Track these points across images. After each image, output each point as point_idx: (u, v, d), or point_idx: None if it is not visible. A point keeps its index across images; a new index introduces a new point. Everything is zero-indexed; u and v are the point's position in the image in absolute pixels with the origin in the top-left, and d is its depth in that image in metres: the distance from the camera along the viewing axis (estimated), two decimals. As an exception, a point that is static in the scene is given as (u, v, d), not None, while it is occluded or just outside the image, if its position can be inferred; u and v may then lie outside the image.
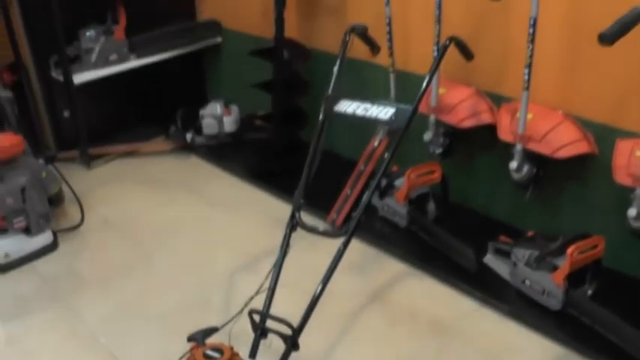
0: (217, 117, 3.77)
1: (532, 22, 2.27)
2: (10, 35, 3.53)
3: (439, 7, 2.59)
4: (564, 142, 2.37)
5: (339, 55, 2.26)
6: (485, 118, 2.65)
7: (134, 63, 3.74)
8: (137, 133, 4.02)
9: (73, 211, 3.18)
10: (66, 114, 3.72)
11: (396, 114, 2.00)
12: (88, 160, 3.72)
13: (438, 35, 2.62)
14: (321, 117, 2.12)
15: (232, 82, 4.11)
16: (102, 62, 3.63)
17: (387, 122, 2.00)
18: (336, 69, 2.20)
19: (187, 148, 3.84)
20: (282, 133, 3.40)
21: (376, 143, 2.94)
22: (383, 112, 2.02)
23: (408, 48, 2.96)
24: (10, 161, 2.82)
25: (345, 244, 1.92)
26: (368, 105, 2.05)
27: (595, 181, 2.46)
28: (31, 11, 3.50)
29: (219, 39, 4.05)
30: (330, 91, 2.19)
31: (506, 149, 2.53)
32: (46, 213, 2.89)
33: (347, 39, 2.31)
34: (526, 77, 2.36)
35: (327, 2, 3.29)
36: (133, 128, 4.05)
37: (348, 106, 2.10)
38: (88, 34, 3.59)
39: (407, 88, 2.97)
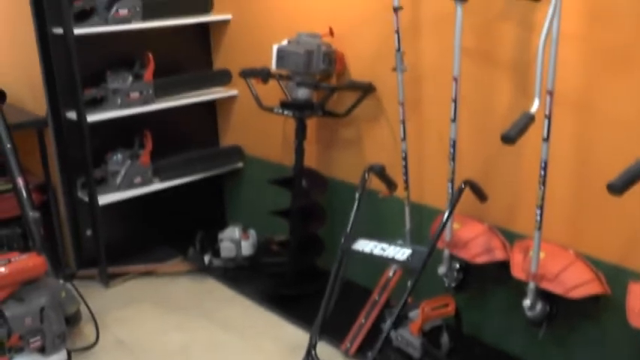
0: (235, 241, 3.85)
1: (543, 165, 2.36)
2: (42, 158, 3.73)
3: (453, 146, 2.70)
4: (577, 282, 2.41)
5: (357, 194, 2.35)
6: (499, 255, 2.70)
7: (157, 186, 3.88)
8: (156, 252, 4.11)
9: (88, 330, 3.21)
10: (88, 233, 3.81)
11: (412, 255, 2.07)
12: (107, 279, 3.78)
13: (453, 172, 2.72)
14: (339, 254, 2.18)
15: (251, 206, 4.23)
16: (126, 185, 3.77)
17: (404, 263, 2.06)
18: (354, 207, 2.28)
19: (204, 270, 3.89)
20: (299, 260, 3.45)
21: (391, 274, 3.03)
22: (399, 252, 2.09)
23: (423, 182, 3.07)
24: (32, 281, 2.87)
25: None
26: (385, 245, 2.13)
27: (609, 321, 2.47)
28: (64, 137, 3.70)
29: (240, 164, 4.21)
30: (348, 229, 2.26)
31: (520, 285, 2.56)
32: (63, 333, 2.90)
33: (365, 178, 2.41)
34: (538, 218, 2.42)
35: (345, 135, 3.43)
36: (152, 248, 4.14)
37: (365, 246, 2.17)
38: (115, 157, 3.75)
39: (422, 220, 3.06)
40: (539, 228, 2.43)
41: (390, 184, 2.77)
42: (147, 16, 3.70)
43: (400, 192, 2.99)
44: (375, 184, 2.80)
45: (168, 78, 3.88)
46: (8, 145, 3.36)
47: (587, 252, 2.48)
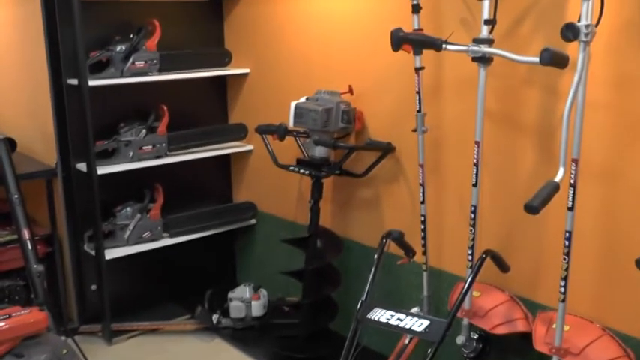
0: (246, 300, 3.86)
1: (567, 235, 2.35)
2: (50, 209, 3.78)
3: (474, 211, 2.71)
4: (603, 358, 2.38)
5: (375, 260, 2.36)
6: (520, 326, 2.68)
7: (167, 241, 3.92)
8: (162, 309, 4.12)
9: (87, 389, 3.18)
10: (93, 287, 3.83)
11: (430, 327, 2.07)
12: (110, 336, 3.78)
13: (473, 239, 2.72)
14: (354, 324, 2.18)
15: (263, 264, 4.24)
16: (135, 239, 3.80)
17: (421, 335, 2.06)
18: (371, 275, 2.29)
19: (212, 329, 3.89)
20: (311, 323, 3.45)
21: (407, 341, 3.00)
22: (417, 323, 2.10)
23: (442, 247, 3.08)
24: (33, 337, 2.87)
25: None
26: (402, 315, 2.13)
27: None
28: (73, 188, 3.75)
29: (253, 221, 4.24)
30: (364, 296, 2.27)
31: (542, 358, 2.54)
32: (62, 391, 2.88)
33: (383, 244, 2.42)
34: (562, 289, 2.41)
35: (363, 195, 3.45)
36: (159, 304, 4.15)
37: (381, 315, 2.18)
38: (124, 211, 3.79)
39: (440, 286, 3.06)
40: (564, 300, 2.42)
41: (409, 251, 2.78)
42: (164, 68, 3.79)
43: (418, 256, 2.99)
44: (393, 247, 2.80)
45: (183, 131, 3.94)
46: (16, 196, 3.41)
47: (615, 326, 2.47)
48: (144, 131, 3.73)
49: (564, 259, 2.38)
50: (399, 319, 2.16)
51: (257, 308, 3.87)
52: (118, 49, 3.61)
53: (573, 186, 2.31)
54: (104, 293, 3.73)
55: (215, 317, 3.88)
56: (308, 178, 3.42)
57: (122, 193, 3.84)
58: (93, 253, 3.70)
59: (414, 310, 2.95)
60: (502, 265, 2.45)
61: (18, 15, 4.07)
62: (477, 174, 2.67)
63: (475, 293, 2.81)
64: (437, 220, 3.08)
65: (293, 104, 3.27)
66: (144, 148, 3.74)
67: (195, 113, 4.17)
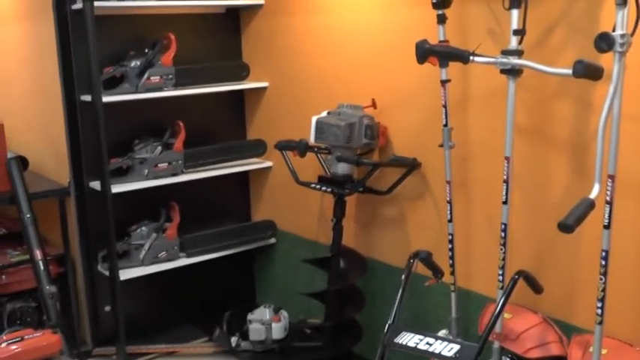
0: (266, 322, 3.84)
1: (604, 255, 2.31)
2: (63, 229, 3.80)
3: (505, 230, 2.68)
4: (644, 383, 2.34)
5: (402, 281, 2.35)
6: (554, 350, 2.63)
7: (183, 261, 3.92)
8: (179, 331, 4.11)
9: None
10: (107, 309, 3.83)
11: (460, 351, 2.06)
12: (125, 359, 3.77)
13: (504, 259, 2.69)
14: (380, 349, 2.17)
15: (284, 285, 4.23)
16: (150, 259, 3.81)
17: (451, 360, 2.04)
18: (398, 298, 2.27)
19: (231, 353, 3.87)
20: (334, 346, 3.42)
21: (435, 365, 2.97)
22: (447, 348, 2.08)
23: (471, 267, 3.07)
24: (45, 360, 2.85)
25: None
26: (431, 339, 2.11)
27: None
28: (86, 207, 3.76)
29: (273, 240, 4.23)
30: (391, 319, 2.25)
31: (579, 384, 2.50)
32: (75, 415, 2.87)
33: (410, 265, 2.41)
34: (599, 311, 2.36)
35: (388, 213, 3.44)
36: (175, 326, 4.14)
37: (410, 339, 2.16)
38: (139, 230, 3.79)
39: (469, 307, 3.04)
40: (601, 322, 2.36)
41: (437, 272, 2.76)
42: (180, 83, 3.80)
43: (446, 277, 2.96)
44: (420, 267, 2.78)
45: (200, 148, 3.94)
46: (28, 215, 3.46)
47: (655, 350, 2.42)
48: (159, 148, 3.74)
49: (601, 279, 2.33)
50: (427, 343, 2.14)
51: (278, 331, 3.84)
52: (133, 64, 3.63)
53: (610, 203, 2.26)
54: (118, 315, 3.72)
55: (234, 340, 3.87)
56: (330, 196, 3.41)
57: (137, 212, 3.84)
58: (107, 273, 3.70)
59: (442, 332, 2.91)
60: (535, 286, 2.42)
61: (30, 30, 4.12)
62: (507, 191, 2.64)
63: (506, 315, 2.76)
64: (465, 239, 3.06)
65: (314, 119, 3.27)
66: (159, 165, 3.74)
67: (213, 129, 4.18)
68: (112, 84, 3.63)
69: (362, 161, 3.20)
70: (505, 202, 2.66)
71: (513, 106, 2.58)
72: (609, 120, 2.19)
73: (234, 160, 4.11)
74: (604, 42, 2.07)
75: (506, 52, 2.49)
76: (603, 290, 2.34)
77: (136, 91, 3.65)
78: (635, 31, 2.20)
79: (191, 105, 3.98)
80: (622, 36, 2.10)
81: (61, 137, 3.71)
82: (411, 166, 3.20)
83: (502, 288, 2.67)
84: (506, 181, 2.64)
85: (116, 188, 3.60)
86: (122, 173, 3.72)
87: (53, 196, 3.79)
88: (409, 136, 3.28)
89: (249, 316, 3.88)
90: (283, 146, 3.49)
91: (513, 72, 2.52)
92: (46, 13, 3.62)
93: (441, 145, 2.95)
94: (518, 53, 2.49)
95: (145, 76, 3.64)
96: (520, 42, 2.53)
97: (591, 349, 2.43)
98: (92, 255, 3.80)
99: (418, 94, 3.17)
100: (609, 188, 2.25)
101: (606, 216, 2.28)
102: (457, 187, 3.00)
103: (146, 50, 3.69)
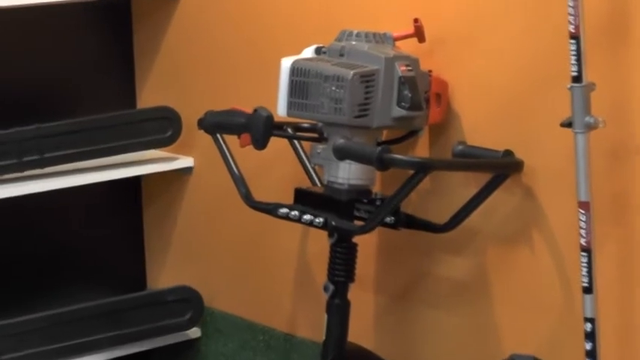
0: None
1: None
2: None
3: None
4: None
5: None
6: None
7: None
8: None
9: None
10: None
11: None
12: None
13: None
14: None
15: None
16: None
17: None
18: None
19: None
20: None
21: None
22: None
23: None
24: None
25: None
26: None
27: None
28: None
29: (194, 331, 3.17)
30: None
31: None
32: None
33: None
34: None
35: (448, 271, 2.68)
36: None
37: None
38: None
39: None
40: None
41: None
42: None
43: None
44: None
45: (31, 127, 2.85)
46: None
47: None
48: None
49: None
50: None
51: None
52: None
53: None
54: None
55: None
56: (319, 235, 2.45)
57: None
58: None
59: None
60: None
61: None
62: None
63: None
64: (622, 320, 2.25)
65: (286, 63, 2.35)
66: None
67: (60, 87, 3.14)
68: None
69: (393, 158, 2.14)
70: None
71: None
72: None
73: (110, 154, 2.99)
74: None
75: None
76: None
77: None
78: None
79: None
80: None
81: None
82: (500, 168, 2.34)
83: None
84: None
85: None
86: None
87: None
88: (495, 104, 2.40)
89: None
90: (217, 124, 2.48)
91: None
92: None
93: (569, 125, 2.09)
94: None
95: None
96: None
97: None
98: None
99: (514, 12, 2.27)
100: None
101: None
102: (604, 213, 2.18)
103: None
